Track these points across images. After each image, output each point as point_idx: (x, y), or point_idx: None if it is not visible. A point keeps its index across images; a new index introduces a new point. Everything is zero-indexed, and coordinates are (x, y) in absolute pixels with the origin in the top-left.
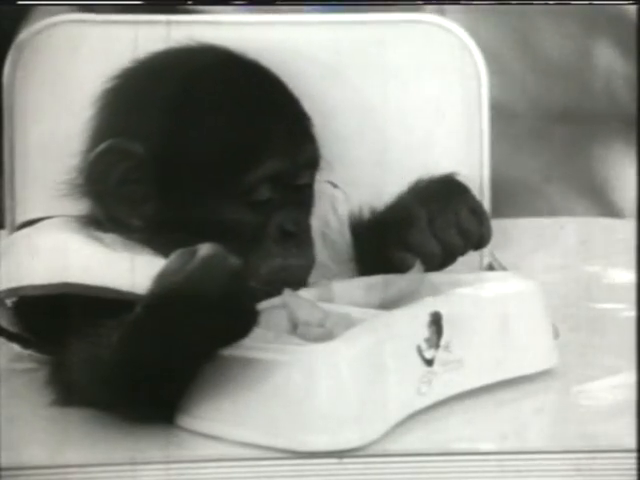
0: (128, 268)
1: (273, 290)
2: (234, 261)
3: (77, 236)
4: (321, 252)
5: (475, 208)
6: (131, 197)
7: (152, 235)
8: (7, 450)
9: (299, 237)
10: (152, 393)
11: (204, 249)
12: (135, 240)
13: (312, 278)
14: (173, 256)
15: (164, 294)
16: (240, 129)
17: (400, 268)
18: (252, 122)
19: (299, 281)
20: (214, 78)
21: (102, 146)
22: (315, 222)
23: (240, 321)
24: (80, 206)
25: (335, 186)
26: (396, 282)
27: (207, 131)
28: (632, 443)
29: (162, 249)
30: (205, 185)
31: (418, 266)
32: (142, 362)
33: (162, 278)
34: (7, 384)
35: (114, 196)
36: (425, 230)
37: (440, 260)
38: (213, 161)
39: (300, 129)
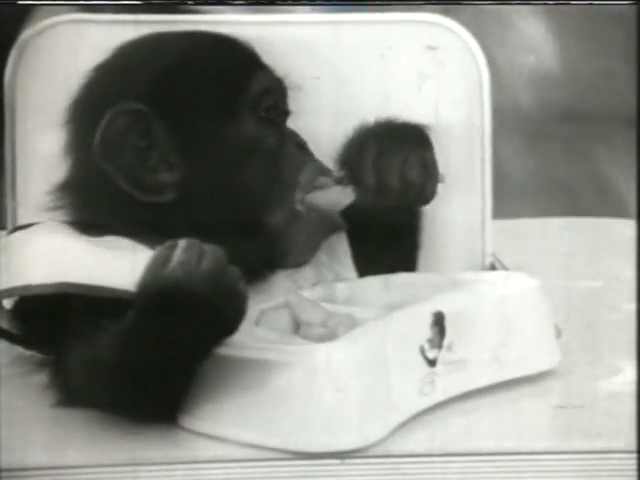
0: (128, 267)
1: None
2: (211, 258)
3: (75, 236)
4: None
5: (427, 162)
6: (153, 156)
7: (184, 191)
8: (7, 451)
9: (308, 149)
10: (151, 394)
11: (178, 252)
12: (161, 213)
13: (313, 278)
14: (151, 258)
15: (148, 298)
16: (225, 60)
17: (335, 182)
18: (232, 51)
19: (330, 229)
20: (189, 43)
21: (110, 113)
22: None
23: (226, 317)
24: (77, 208)
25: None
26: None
27: (199, 74)
28: (632, 444)
29: (151, 243)
30: (215, 115)
31: (349, 191)
32: (139, 363)
33: (143, 285)
34: (8, 385)
35: (135, 160)
36: (367, 161)
37: (371, 196)
38: (214, 92)
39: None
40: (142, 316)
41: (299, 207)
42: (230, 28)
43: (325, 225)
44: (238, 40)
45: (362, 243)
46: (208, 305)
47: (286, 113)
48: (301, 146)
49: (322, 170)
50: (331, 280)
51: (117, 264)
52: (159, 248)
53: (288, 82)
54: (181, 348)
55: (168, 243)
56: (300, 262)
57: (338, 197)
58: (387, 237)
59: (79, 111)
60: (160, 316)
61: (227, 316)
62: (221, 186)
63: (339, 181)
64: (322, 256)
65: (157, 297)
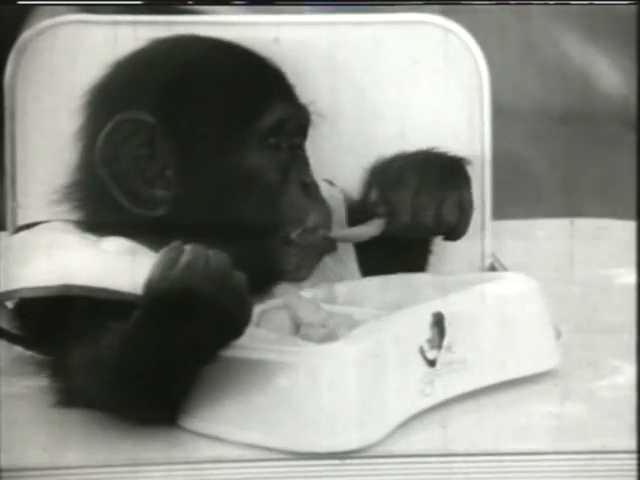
0: (127, 269)
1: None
2: (217, 263)
3: (76, 238)
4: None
5: (464, 203)
6: (151, 169)
7: (175, 210)
8: (7, 451)
9: (318, 193)
10: (154, 394)
11: (186, 254)
12: (156, 222)
13: (314, 279)
14: (158, 258)
15: (154, 300)
16: (246, 80)
17: (369, 214)
18: (257, 73)
19: (327, 250)
20: (214, 53)
21: (115, 120)
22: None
23: (231, 321)
24: (80, 209)
25: (332, 184)
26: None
27: (215, 87)
28: (632, 444)
29: (151, 245)
30: (222, 138)
31: (379, 222)
32: (142, 364)
33: (150, 285)
34: (8, 386)
35: (133, 169)
36: (405, 198)
37: (404, 230)
38: (227, 112)
39: (292, 86)
40: (148, 316)
41: (294, 237)
42: (230, 28)
43: (322, 248)
44: (267, 62)
45: (376, 249)
46: (214, 307)
47: (298, 147)
48: (307, 186)
49: (326, 217)
50: (330, 280)
51: (118, 266)
52: (165, 250)
53: (312, 109)
54: (186, 350)
55: (174, 245)
56: (298, 279)
57: (367, 231)
58: (401, 245)
59: (90, 112)
60: (166, 317)
61: (233, 319)
62: (214, 211)
63: (372, 209)
64: (327, 259)
65: (164, 298)
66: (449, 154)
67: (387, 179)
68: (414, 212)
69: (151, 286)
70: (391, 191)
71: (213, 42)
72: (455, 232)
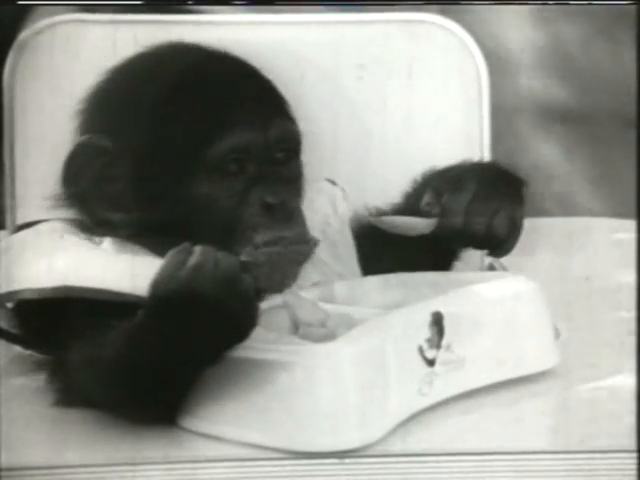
0: (127, 270)
1: (274, 271)
2: (226, 265)
3: (75, 239)
4: (322, 250)
5: (516, 220)
6: (109, 193)
7: (137, 230)
8: (7, 450)
9: (287, 212)
10: (155, 395)
11: (195, 255)
12: (123, 238)
13: (314, 277)
14: (167, 259)
15: (161, 300)
16: (202, 106)
17: (422, 213)
18: (214, 100)
19: (300, 257)
20: (178, 68)
21: (75, 144)
22: (315, 220)
23: (237, 324)
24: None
25: (334, 184)
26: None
27: (170, 114)
28: (632, 444)
29: (151, 246)
30: (176, 164)
31: (432, 222)
32: (145, 365)
33: (157, 284)
34: (7, 385)
35: (93, 195)
36: (461, 203)
37: (453, 235)
38: (180, 140)
39: (270, 106)
40: (153, 316)
41: (243, 257)
42: (230, 28)
43: (295, 257)
44: (247, 80)
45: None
46: (221, 310)
47: (278, 163)
48: (269, 207)
49: (298, 230)
50: (330, 279)
51: (118, 267)
52: (175, 250)
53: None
54: (190, 351)
55: (183, 246)
56: (278, 290)
57: (419, 226)
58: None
59: (76, 130)
60: (172, 317)
61: (239, 322)
62: (171, 236)
63: (425, 209)
64: (329, 259)
65: (171, 298)
66: (509, 170)
67: (444, 182)
68: (467, 217)
69: (158, 286)
70: (448, 193)
71: (182, 61)
72: (502, 247)
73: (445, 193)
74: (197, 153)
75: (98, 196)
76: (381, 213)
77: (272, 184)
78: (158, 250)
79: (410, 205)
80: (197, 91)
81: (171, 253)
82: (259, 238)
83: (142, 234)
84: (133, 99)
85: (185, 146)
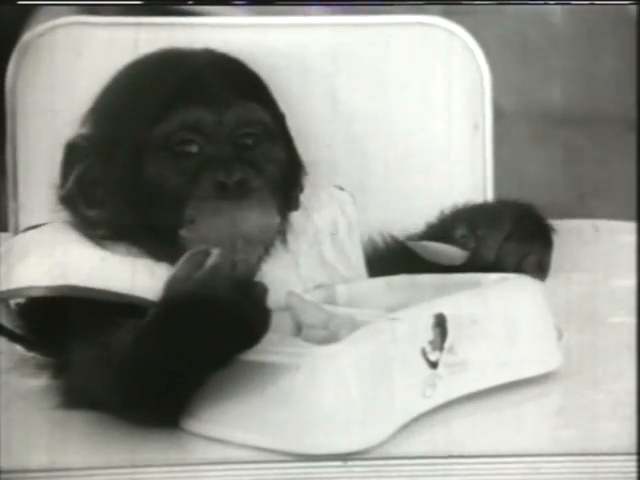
0: (129, 271)
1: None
2: (243, 270)
3: (79, 239)
4: (330, 254)
5: (543, 265)
6: (90, 190)
7: (117, 227)
8: (8, 453)
9: (248, 194)
10: (162, 396)
11: (213, 257)
12: (106, 238)
13: (321, 280)
14: (183, 260)
15: (174, 302)
16: (157, 89)
17: (455, 244)
18: (171, 84)
19: (260, 238)
20: (145, 66)
21: (64, 144)
22: (323, 225)
23: (250, 328)
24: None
25: (342, 189)
26: (401, 283)
27: (127, 100)
28: (632, 446)
29: (145, 248)
30: (130, 149)
31: (462, 255)
32: (154, 366)
33: (172, 284)
34: (9, 386)
35: (76, 192)
36: (495, 241)
37: (482, 268)
38: (133, 122)
39: (235, 91)
40: (165, 316)
41: (183, 234)
42: (231, 30)
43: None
44: (180, 65)
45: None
46: (235, 313)
47: (239, 146)
48: (223, 186)
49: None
50: (335, 282)
51: (120, 268)
52: (192, 251)
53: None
54: (200, 353)
55: (200, 248)
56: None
57: (456, 255)
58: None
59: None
60: (184, 318)
61: (251, 327)
62: (135, 224)
63: (458, 242)
64: (337, 262)
65: (185, 299)
66: (541, 214)
67: (482, 217)
68: (500, 255)
69: (173, 286)
70: (484, 228)
71: (156, 54)
72: None
73: (480, 228)
74: (147, 133)
75: (82, 195)
76: (409, 238)
77: (228, 165)
78: (153, 253)
79: (437, 235)
80: (155, 76)
81: (188, 254)
82: (187, 214)
83: (122, 231)
84: (103, 92)
85: (137, 129)
